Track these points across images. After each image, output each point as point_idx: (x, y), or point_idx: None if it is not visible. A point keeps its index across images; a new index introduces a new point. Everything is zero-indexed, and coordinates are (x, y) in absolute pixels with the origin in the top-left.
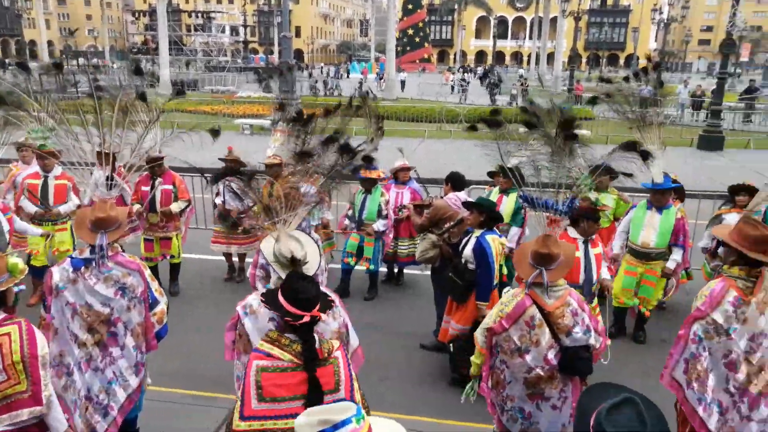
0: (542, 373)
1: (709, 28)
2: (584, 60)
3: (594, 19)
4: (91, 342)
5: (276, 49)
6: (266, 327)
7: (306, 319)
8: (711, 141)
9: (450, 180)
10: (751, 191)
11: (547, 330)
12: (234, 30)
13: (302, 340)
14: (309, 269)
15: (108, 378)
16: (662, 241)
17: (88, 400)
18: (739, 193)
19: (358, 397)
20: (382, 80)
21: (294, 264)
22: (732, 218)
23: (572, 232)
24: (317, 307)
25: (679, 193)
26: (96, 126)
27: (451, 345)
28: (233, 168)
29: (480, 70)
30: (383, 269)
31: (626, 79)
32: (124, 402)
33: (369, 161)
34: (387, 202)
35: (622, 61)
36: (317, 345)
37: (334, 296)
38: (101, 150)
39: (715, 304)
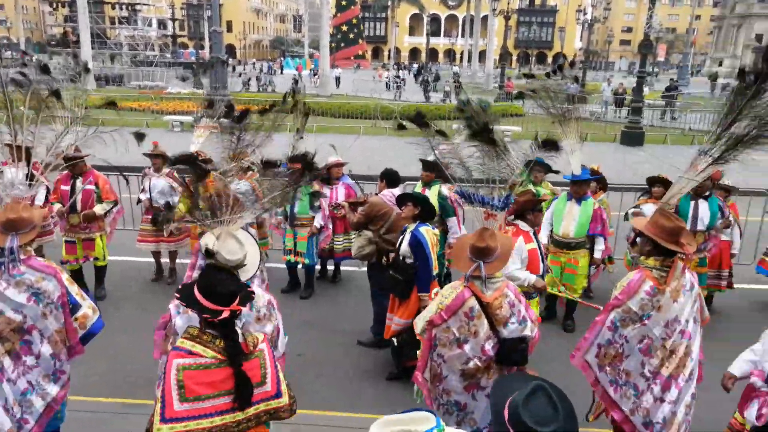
0: (479, 364)
1: (629, 29)
2: (515, 58)
3: (523, 19)
4: (1, 351)
5: (207, 44)
6: None
7: (225, 314)
8: (632, 137)
9: (384, 177)
10: (665, 183)
11: (485, 321)
12: (162, 23)
13: (223, 337)
14: (248, 270)
15: (21, 389)
16: (581, 231)
17: (5, 411)
18: (654, 185)
19: (284, 388)
20: (317, 77)
21: (232, 266)
22: (648, 209)
23: (524, 225)
24: (237, 301)
25: (602, 183)
26: (7, 123)
27: (395, 339)
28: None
29: (415, 66)
30: (318, 266)
31: (547, 75)
32: (43, 412)
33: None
34: (318, 194)
35: (550, 59)
36: (241, 339)
37: (271, 299)
38: (12, 144)
39: (632, 293)
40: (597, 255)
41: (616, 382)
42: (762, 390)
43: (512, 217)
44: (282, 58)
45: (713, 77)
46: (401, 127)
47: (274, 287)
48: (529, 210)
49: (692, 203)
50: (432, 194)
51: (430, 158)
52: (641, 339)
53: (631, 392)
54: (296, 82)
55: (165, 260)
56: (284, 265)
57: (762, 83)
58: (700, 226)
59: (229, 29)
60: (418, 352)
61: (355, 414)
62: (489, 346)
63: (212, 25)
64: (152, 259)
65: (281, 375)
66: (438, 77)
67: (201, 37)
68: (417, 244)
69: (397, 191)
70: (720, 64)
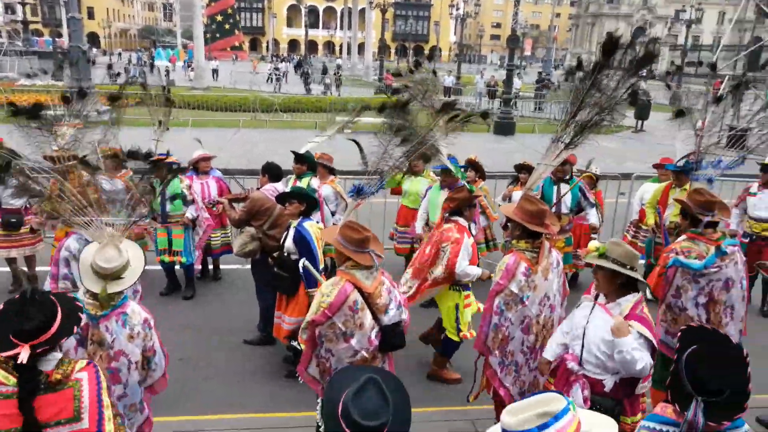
0: (366, 355)
1: (498, 25)
2: (393, 51)
3: (399, 12)
4: None
5: (65, 31)
6: None
7: (20, 354)
8: (504, 127)
9: (266, 171)
10: (531, 170)
11: (368, 312)
12: (9, 8)
13: (15, 363)
14: (124, 282)
15: None
16: None
17: None
18: (521, 172)
19: (109, 427)
20: (191, 68)
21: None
22: (518, 195)
23: (463, 221)
24: (43, 338)
25: (480, 172)
26: None
27: (296, 342)
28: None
29: (295, 58)
30: (199, 266)
31: (410, 71)
32: None
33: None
34: (189, 187)
35: (427, 52)
36: (50, 367)
37: (148, 317)
38: None
39: (511, 277)
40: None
41: (503, 363)
42: (579, 373)
43: (450, 214)
44: (153, 49)
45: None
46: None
47: (151, 291)
48: (465, 206)
49: (555, 187)
50: (303, 185)
51: (302, 150)
52: (522, 319)
53: (513, 368)
54: (168, 73)
55: (24, 268)
56: (160, 267)
57: (598, 74)
58: (564, 209)
59: (91, 16)
60: None
61: (246, 415)
62: (374, 336)
63: (70, 11)
64: (7, 268)
65: (108, 412)
66: (326, 70)
67: (58, 24)
68: (301, 239)
69: (279, 185)
70: (578, 59)
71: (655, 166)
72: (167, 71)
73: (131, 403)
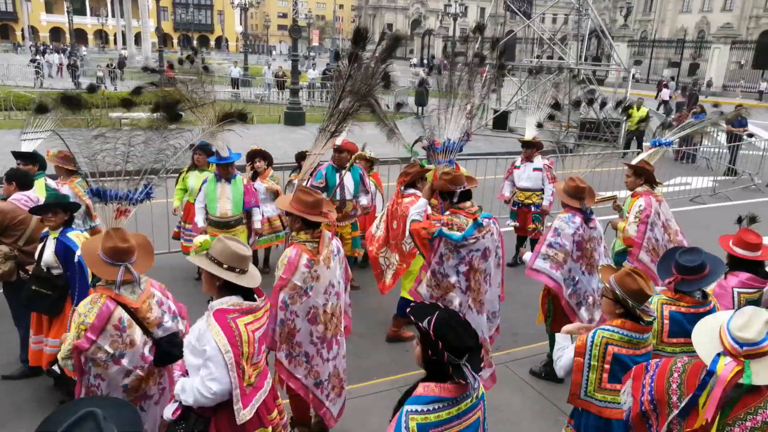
0: (142, 374)
1: (284, 15)
2: (176, 41)
3: (179, 0)
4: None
5: None
6: None
7: None
8: (294, 117)
9: (13, 178)
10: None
11: (137, 328)
12: None
13: None
14: None
15: None
16: (237, 209)
17: None
18: (300, 161)
19: None
20: None
21: None
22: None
23: (418, 192)
24: None
25: (268, 160)
26: None
27: (56, 367)
28: None
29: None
30: None
31: (179, 62)
32: None
33: None
34: None
35: (213, 42)
36: None
37: None
38: None
39: (294, 270)
40: (257, 225)
41: (291, 354)
42: None
43: (404, 188)
44: None
45: None
46: (41, 110)
47: None
48: (419, 179)
49: (337, 174)
50: (39, 187)
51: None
52: (308, 311)
53: (303, 359)
54: None
55: None
56: None
57: (354, 64)
58: (348, 195)
59: None
60: None
61: None
62: (147, 352)
63: None
64: None
65: None
66: (123, 64)
67: None
68: (66, 250)
69: (32, 193)
70: (335, 50)
71: (424, 149)
72: None
73: None
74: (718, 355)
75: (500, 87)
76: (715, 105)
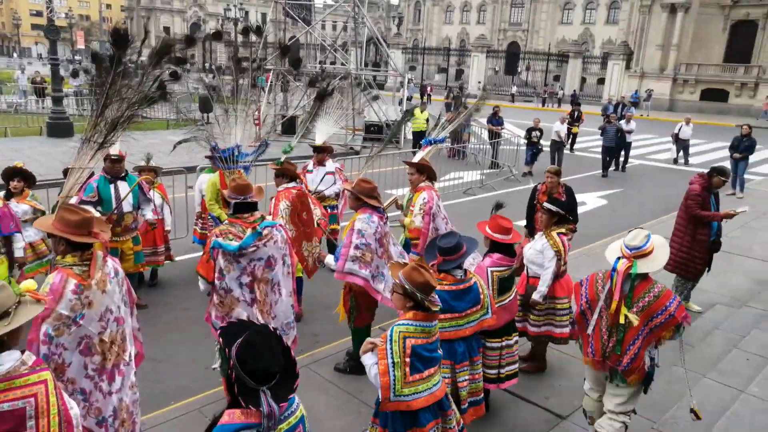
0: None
1: (39, 13)
2: None
3: None
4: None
5: None
6: None
7: None
8: (59, 128)
9: None
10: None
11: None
12: None
13: None
14: None
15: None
16: None
17: None
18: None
19: None
20: None
21: None
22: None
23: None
24: None
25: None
26: None
27: None
28: None
29: None
30: None
31: None
32: None
33: None
34: None
35: None
36: None
37: None
38: None
39: (59, 298)
40: (18, 254)
41: (68, 390)
42: None
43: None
44: None
45: None
46: None
47: None
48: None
49: (112, 186)
50: None
51: None
52: (79, 341)
53: (80, 397)
54: None
55: None
56: None
57: (117, 68)
58: (128, 207)
59: None
60: None
61: None
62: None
63: None
64: None
65: None
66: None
67: None
68: None
69: None
70: (92, 53)
71: (207, 157)
72: None
73: None
74: (618, 259)
75: (287, 92)
76: (477, 109)
